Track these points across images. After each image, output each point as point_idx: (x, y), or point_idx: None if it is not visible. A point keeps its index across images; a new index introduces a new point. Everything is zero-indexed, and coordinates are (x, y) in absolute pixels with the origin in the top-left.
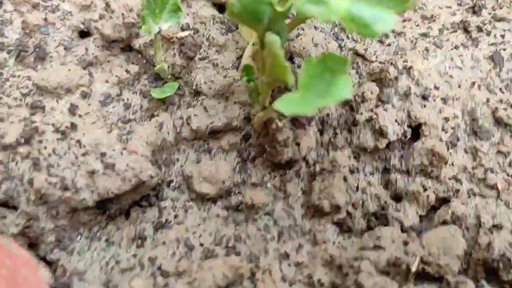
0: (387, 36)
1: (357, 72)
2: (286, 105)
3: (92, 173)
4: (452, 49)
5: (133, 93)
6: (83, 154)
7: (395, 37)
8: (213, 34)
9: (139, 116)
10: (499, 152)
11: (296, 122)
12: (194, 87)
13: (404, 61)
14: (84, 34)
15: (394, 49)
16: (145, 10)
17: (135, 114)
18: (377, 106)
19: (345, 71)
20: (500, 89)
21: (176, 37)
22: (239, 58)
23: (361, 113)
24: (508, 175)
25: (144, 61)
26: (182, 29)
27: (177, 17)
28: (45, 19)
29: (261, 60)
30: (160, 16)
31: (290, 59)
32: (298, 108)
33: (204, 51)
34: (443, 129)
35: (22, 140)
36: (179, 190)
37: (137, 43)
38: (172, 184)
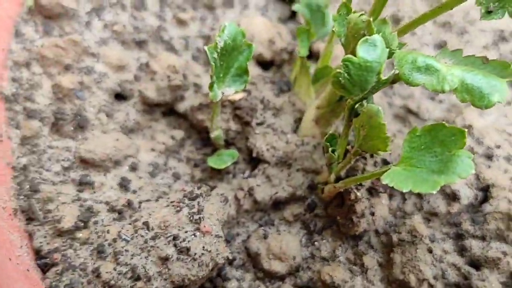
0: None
1: None
2: (400, 181)
3: (165, 259)
4: (504, 105)
5: (179, 161)
6: (153, 238)
7: (444, 94)
8: (266, 95)
9: (205, 190)
10: None
11: (373, 191)
12: (255, 155)
13: (461, 120)
14: (120, 97)
15: (446, 105)
16: (214, 76)
17: (200, 188)
18: None
19: (463, 144)
20: None
21: (229, 100)
22: (297, 121)
23: None
24: None
25: (188, 125)
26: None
27: (243, 81)
28: (81, 83)
29: (345, 129)
30: (224, 80)
31: None
32: (418, 185)
33: (261, 114)
34: (510, 190)
35: (81, 224)
36: (244, 268)
37: (182, 107)
38: (235, 262)
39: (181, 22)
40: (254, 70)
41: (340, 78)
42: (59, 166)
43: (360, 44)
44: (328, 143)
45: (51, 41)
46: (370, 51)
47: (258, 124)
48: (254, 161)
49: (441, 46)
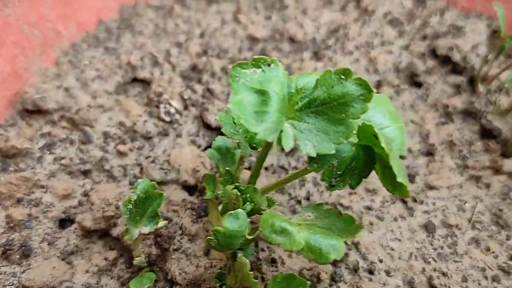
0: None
1: None
2: None
3: None
4: (392, 220)
5: (111, 278)
6: None
7: (344, 210)
8: (185, 223)
9: None
10: None
11: None
12: (169, 277)
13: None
14: (64, 222)
15: None
16: (127, 221)
17: None
18: (330, 285)
19: None
20: (433, 258)
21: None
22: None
23: None
24: None
25: (120, 246)
26: None
27: (156, 223)
28: (29, 214)
29: (232, 266)
30: (140, 222)
31: None
32: None
33: (178, 241)
34: None
35: None
36: None
37: (115, 231)
38: None
39: (121, 153)
40: (180, 194)
41: (211, 242)
42: None
43: (226, 218)
44: (217, 279)
45: (6, 178)
46: (233, 223)
47: (175, 250)
48: (173, 283)
49: None
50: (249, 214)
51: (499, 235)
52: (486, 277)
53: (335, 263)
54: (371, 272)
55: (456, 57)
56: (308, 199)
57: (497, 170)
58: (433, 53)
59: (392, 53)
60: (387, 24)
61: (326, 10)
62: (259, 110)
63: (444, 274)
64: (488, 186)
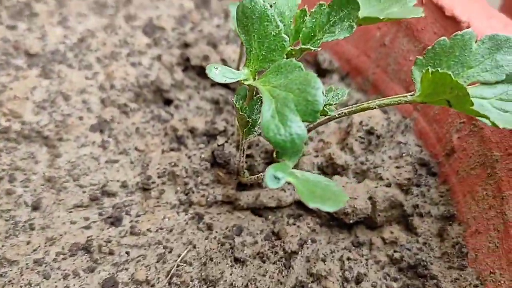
0: (2, 264)
1: None
2: None
3: None
4: (61, 279)
5: None
6: None
7: (8, 266)
8: None
9: None
10: None
11: None
12: None
13: None
14: None
15: (4, 281)
16: None
17: None
18: None
19: None
20: None
21: None
22: None
23: None
24: None
25: None
26: None
27: None
28: None
29: None
30: None
31: None
32: None
33: None
34: None
35: None
36: None
37: None
38: None
39: None
40: None
41: None
42: None
43: None
44: None
45: None
46: None
47: None
48: None
49: (37, 207)
50: None
51: None
52: None
53: None
54: None
55: None
56: None
57: (233, 206)
58: (189, 63)
59: (140, 65)
60: (142, 32)
61: (96, 15)
62: None
63: None
64: (210, 227)
